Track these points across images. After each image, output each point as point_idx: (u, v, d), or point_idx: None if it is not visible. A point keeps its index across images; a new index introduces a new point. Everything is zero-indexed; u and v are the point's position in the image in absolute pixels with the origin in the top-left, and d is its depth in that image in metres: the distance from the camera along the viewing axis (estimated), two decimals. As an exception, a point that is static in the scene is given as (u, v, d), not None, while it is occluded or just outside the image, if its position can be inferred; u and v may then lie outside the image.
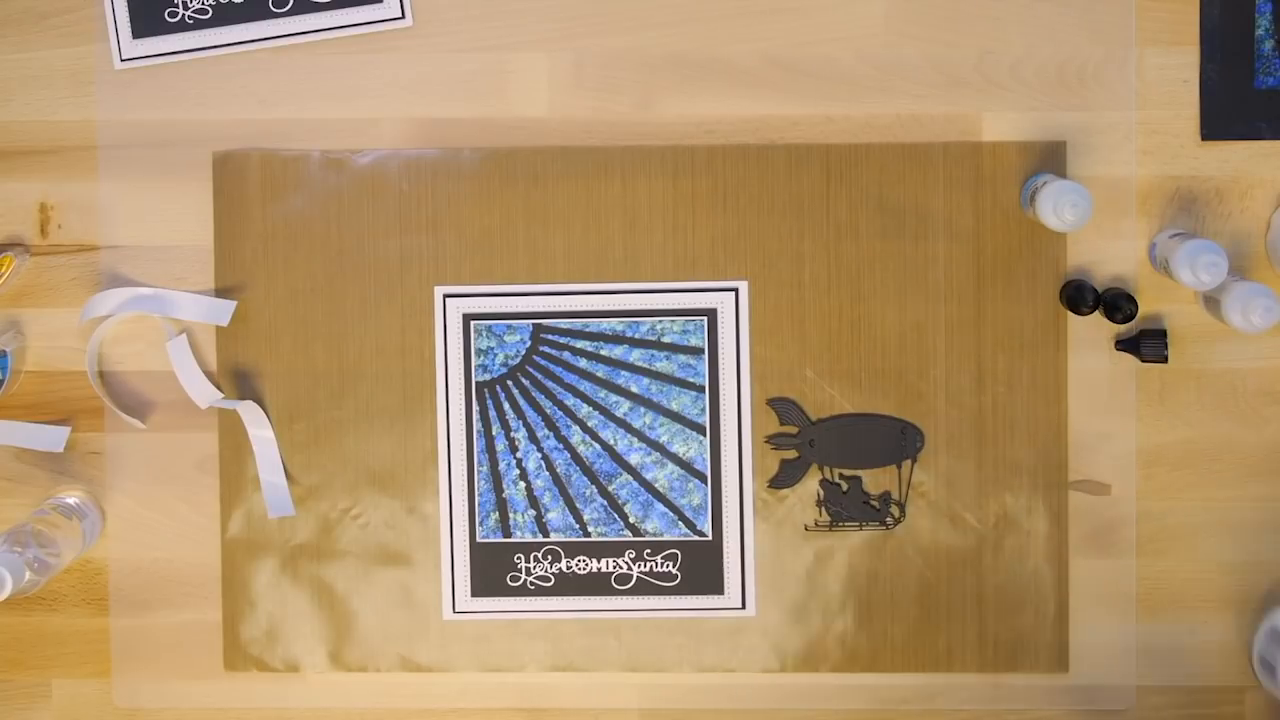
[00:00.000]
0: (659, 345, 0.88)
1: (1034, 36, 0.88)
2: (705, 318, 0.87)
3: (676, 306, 0.88)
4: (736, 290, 0.87)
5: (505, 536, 0.89)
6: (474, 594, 0.89)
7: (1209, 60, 0.87)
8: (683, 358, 0.88)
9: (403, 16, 0.88)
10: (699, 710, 0.89)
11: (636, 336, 0.88)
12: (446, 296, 0.88)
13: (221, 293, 0.89)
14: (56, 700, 0.90)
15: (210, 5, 0.88)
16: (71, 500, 0.89)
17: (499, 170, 0.88)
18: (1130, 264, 0.88)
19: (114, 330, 0.90)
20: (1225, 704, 0.88)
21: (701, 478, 0.88)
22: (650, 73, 0.88)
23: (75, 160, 0.89)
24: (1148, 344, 0.86)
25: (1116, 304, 0.85)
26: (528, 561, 0.89)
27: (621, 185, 0.88)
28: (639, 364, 0.88)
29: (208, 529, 0.90)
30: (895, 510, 0.88)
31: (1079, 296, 0.86)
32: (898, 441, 0.87)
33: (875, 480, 0.88)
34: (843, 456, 0.87)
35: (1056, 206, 0.80)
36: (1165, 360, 0.86)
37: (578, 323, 0.88)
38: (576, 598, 0.88)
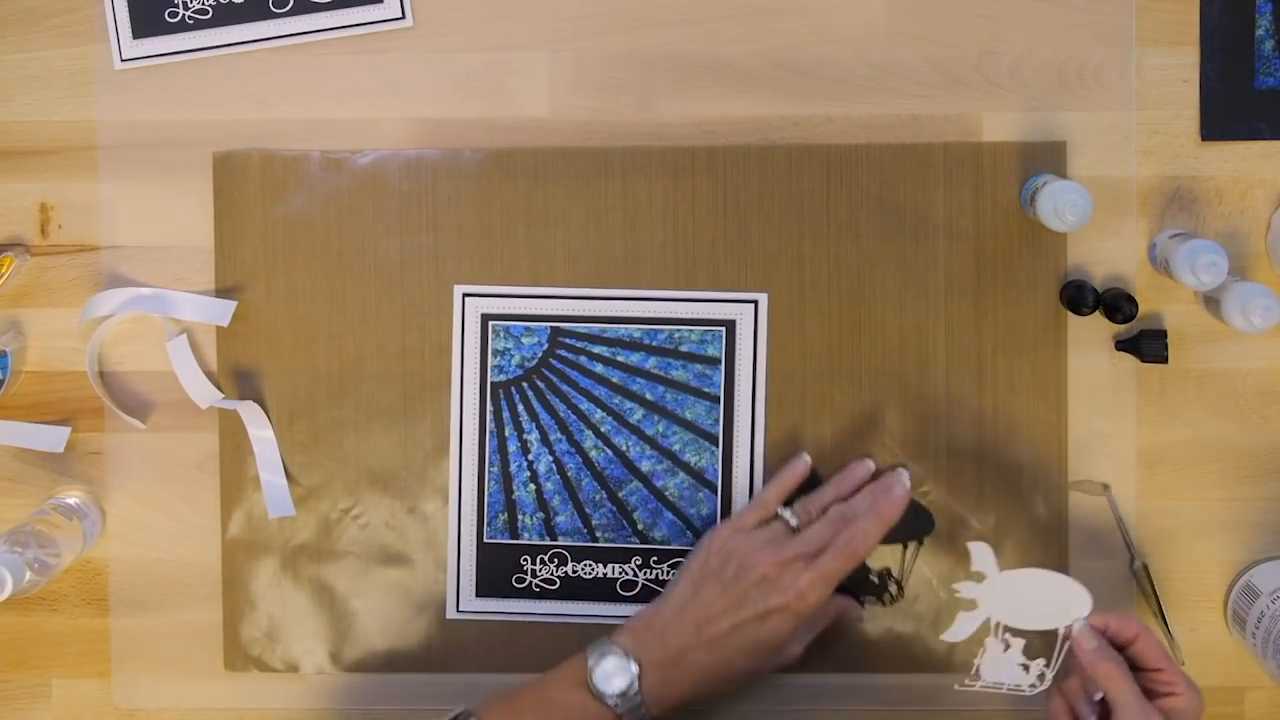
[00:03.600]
0: (675, 354, 0.88)
1: (1034, 36, 0.88)
2: (723, 328, 0.87)
3: (696, 315, 0.88)
4: (756, 302, 0.87)
5: (513, 538, 0.89)
6: (479, 594, 0.89)
7: (1209, 60, 0.87)
8: (699, 367, 0.88)
9: (403, 16, 0.88)
10: (698, 711, 0.89)
11: (654, 344, 0.88)
12: (466, 296, 0.88)
13: (221, 293, 0.89)
14: (56, 700, 0.90)
15: (210, 5, 0.88)
16: (72, 500, 0.89)
17: (499, 170, 0.88)
18: (1130, 264, 0.88)
19: (114, 330, 0.90)
20: (1225, 704, 0.88)
21: (712, 488, 0.88)
22: (650, 73, 0.88)
23: (75, 160, 0.89)
24: (1148, 344, 0.86)
25: (1116, 304, 0.85)
26: (534, 564, 0.88)
27: (621, 185, 0.88)
28: (655, 371, 0.88)
29: (208, 529, 0.90)
30: (894, 587, 0.87)
31: (1079, 296, 0.86)
32: (907, 523, 0.86)
33: (878, 554, 0.87)
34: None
35: (1057, 207, 0.80)
36: (1165, 360, 0.86)
37: (595, 327, 0.88)
38: (581, 602, 0.88)
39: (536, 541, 0.88)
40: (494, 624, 0.89)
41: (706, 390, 0.88)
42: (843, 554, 0.80)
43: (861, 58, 0.88)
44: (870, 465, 0.85)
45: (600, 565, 0.88)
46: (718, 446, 0.88)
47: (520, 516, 0.89)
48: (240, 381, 0.89)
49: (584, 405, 0.88)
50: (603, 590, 0.88)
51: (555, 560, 0.88)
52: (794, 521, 0.82)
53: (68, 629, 0.90)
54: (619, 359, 0.88)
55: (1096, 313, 0.86)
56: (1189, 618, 0.88)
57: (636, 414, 0.88)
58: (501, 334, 0.88)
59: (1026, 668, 0.79)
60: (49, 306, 0.90)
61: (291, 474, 0.89)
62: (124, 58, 0.89)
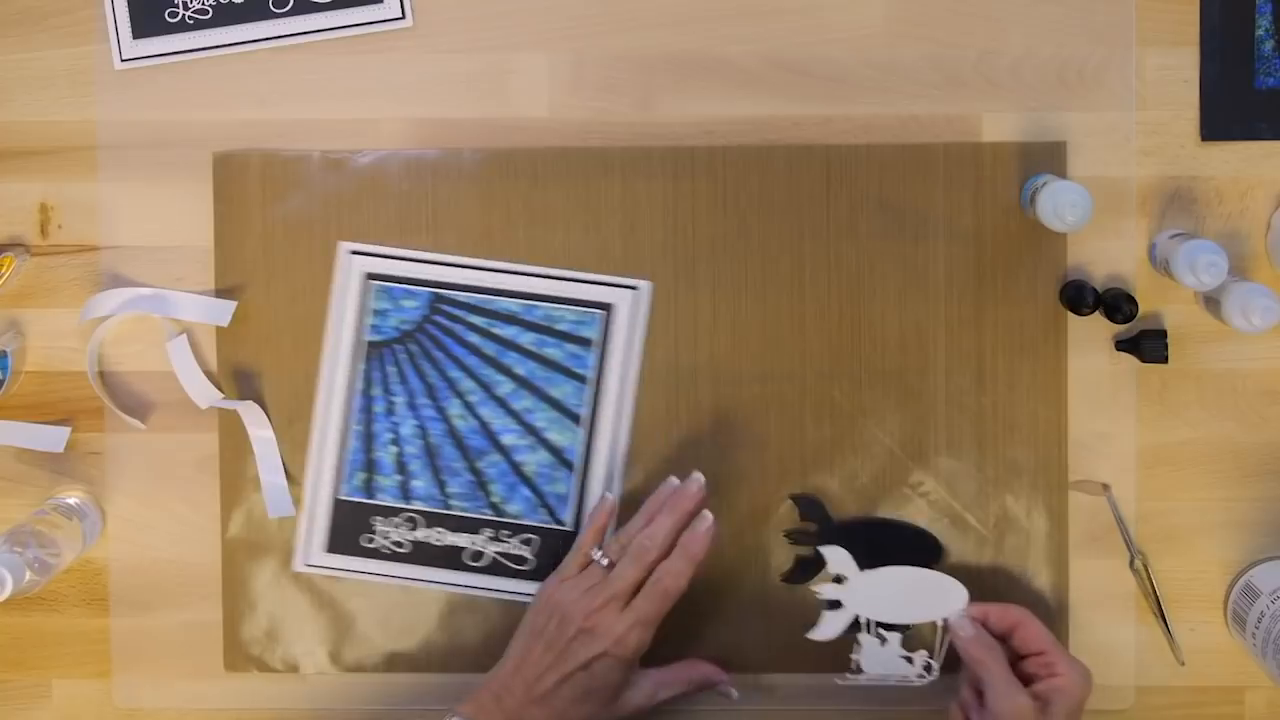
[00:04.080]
0: (551, 331, 0.88)
1: (1034, 36, 0.88)
2: (602, 312, 0.87)
3: (576, 296, 0.88)
4: (637, 289, 0.87)
5: (368, 497, 0.89)
6: (328, 549, 0.89)
7: (1209, 60, 0.87)
8: (572, 347, 0.88)
9: (403, 16, 0.88)
10: (699, 711, 0.89)
11: (531, 320, 0.88)
12: (353, 253, 0.88)
13: (221, 293, 0.89)
14: (56, 700, 0.90)
15: (210, 5, 0.88)
16: (71, 500, 0.89)
17: (499, 170, 0.88)
18: (1130, 264, 0.88)
19: (114, 330, 0.90)
20: (1225, 704, 0.88)
21: (570, 468, 0.88)
22: (650, 73, 0.88)
23: (75, 160, 0.89)
24: (1148, 344, 0.86)
25: (1116, 304, 0.85)
26: (386, 525, 0.88)
27: (621, 185, 0.88)
28: (528, 347, 0.88)
29: (208, 529, 0.90)
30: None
31: (1079, 296, 0.86)
32: (917, 551, 0.87)
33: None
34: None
35: (1057, 207, 0.80)
36: (1165, 360, 0.86)
37: (476, 297, 0.88)
38: (430, 568, 0.88)
39: (391, 503, 0.88)
40: (493, 624, 0.89)
41: (577, 371, 0.88)
42: (656, 596, 0.81)
43: (861, 58, 0.88)
44: (674, 481, 0.85)
45: (451, 533, 0.88)
46: (582, 428, 0.88)
47: (378, 477, 0.88)
48: (240, 381, 0.89)
49: (454, 373, 0.88)
50: (451, 558, 0.88)
51: (408, 524, 0.88)
52: (604, 561, 0.83)
53: (68, 629, 0.90)
54: (494, 331, 0.88)
55: (1096, 313, 0.86)
56: (1189, 618, 0.88)
57: (505, 387, 0.88)
58: (382, 295, 0.88)
59: (910, 659, 0.83)
60: (49, 306, 0.90)
61: (291, 474, 0.89)
62: (124, 58, 0.89)
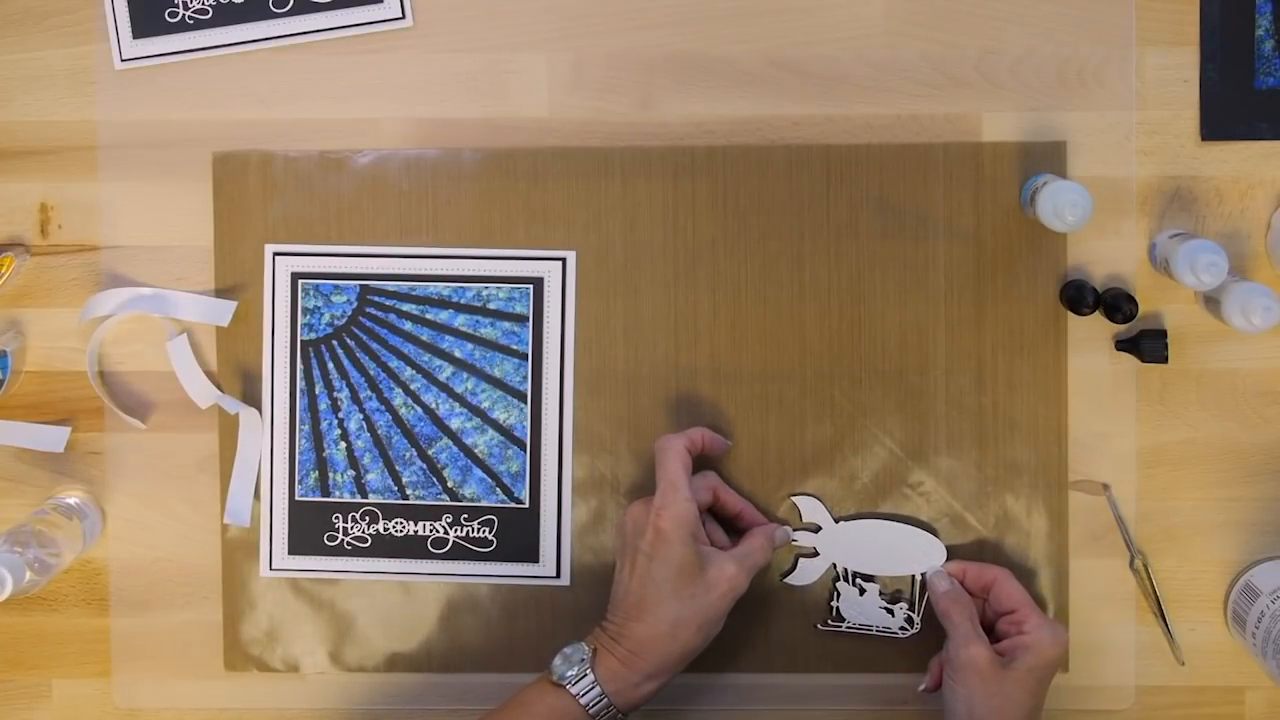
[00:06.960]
0: (484, 311, 0.88)
1: (1034, 36, 0.88)
2: (531, 286, 0.87)
3: (503, 273, 0.88)
4: (564, 260, 0.87)
5: (324, 496, 0.89)
6: (291, 552, 0.89)
7: (1209, 60, 0.87)
8: (507, 325, 0.88)
9: (403, 16, 0.88)
10: (699, 711, 0.89)
11: (462, 302, 0.88)
12: (276, 255, 0.88)
13: (221, 293, 0.89)
14: (56, 700, 0.90)
15: (210, 5, 0.88)
16: (71, 500, 0.89)
17: (499, 170, 0.88)
18: (1130, 264, 0.88)
19: (114, 330, 0.90)
20: (1225, 704, 0.88)
21: (521, 445, 0.88)
22: (650, 73, 0.88)
23: (75, 160, 0.89)
24: (1148, 344, 0.86)
25: (1116, 304, 0.85)
26: (345, 521, 0.88)
27: (621, 185, 0.88)
28: (463, 329, 0.88)
29: (208, 529, 0.90)
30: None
31: (1079, 296, 0.86)
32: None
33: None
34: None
35: (1057, 207, 0.80)
36: (1165, 360, 0.86)
37: (404, 286, 0.88)
38: (393, 559, 0.88)
39: (348, 499, 0.88)
40: (493, 624, 0.89)
41: (515, 348, 0.88)
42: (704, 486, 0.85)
43: (861, 57, 0.88)
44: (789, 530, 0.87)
45: (411, 523, 0.88)
46: (526, 404, 0.88)
47: (331, 474, 0.89)
48: (241, 381, 0.89)
49: (393, 363, 0.88)
50: (414, 548, 0.88)
51: (367, 518, 0.88)
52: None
53: (68, 629, 0.90)
54: (428, 317, 0.88)
55: (1096, 313, 0.86)
56: (1189, 618, 0.88)
57: (446, 371, 0.88)
58: (311, 292, 0.88)
59: (891, 611, 0.87)
60: (49, 306, 0.90)
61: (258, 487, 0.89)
62: (124, 58, 0.89)
